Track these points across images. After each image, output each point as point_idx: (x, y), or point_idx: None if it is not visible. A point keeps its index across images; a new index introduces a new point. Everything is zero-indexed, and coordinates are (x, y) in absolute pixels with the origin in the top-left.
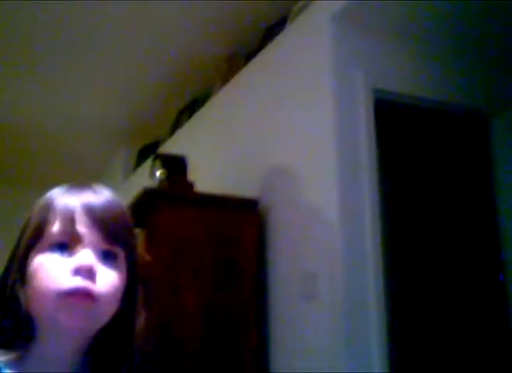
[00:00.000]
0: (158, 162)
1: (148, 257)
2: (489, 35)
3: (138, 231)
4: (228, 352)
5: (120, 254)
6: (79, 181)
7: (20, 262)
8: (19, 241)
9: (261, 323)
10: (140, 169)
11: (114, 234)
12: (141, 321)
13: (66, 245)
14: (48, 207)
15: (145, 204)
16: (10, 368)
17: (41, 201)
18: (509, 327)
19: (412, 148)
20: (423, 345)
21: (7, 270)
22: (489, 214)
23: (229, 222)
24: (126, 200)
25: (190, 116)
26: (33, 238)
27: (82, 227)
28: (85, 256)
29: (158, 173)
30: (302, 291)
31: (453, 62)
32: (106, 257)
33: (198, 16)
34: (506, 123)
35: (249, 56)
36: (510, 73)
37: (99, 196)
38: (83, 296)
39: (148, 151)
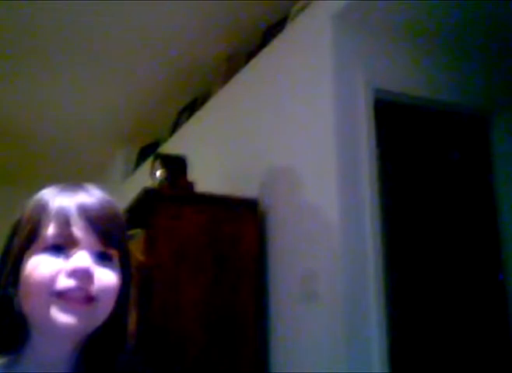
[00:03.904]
0: (158, 162)
1: (141, 258)
2: (489, 35)
3: (138, 231)
4: (228, 352)
5: (115, 255)
6: (74, 181)
7: (14, 263)
8: (10, 241)
9: (261, 323)
10: (140, 169)
11: (109, 235)
12: (132, 320)
13: (62, 247)
14: (42, 209)
15: (146, 204)
16: (6, 369)
17: (33, 202)
18: (509, 327)
19: (412, 147)
20: (423, 345)
21: None
22: (489, 214)
23: (229, 222)
24: (126, 200)
25: (190, 116)
26: (28, 240)
27: (77, 229)
28: (82, 258)
29: (158, 173)
30: (302, 291)
31: (453, 62)
32: (102, 259)
33: (198, 16)
34: (505, 123)
35: (249, 56)
36: (509, 73)
37: (93, 197)
38: (81, 298)
39: (148, 151)
